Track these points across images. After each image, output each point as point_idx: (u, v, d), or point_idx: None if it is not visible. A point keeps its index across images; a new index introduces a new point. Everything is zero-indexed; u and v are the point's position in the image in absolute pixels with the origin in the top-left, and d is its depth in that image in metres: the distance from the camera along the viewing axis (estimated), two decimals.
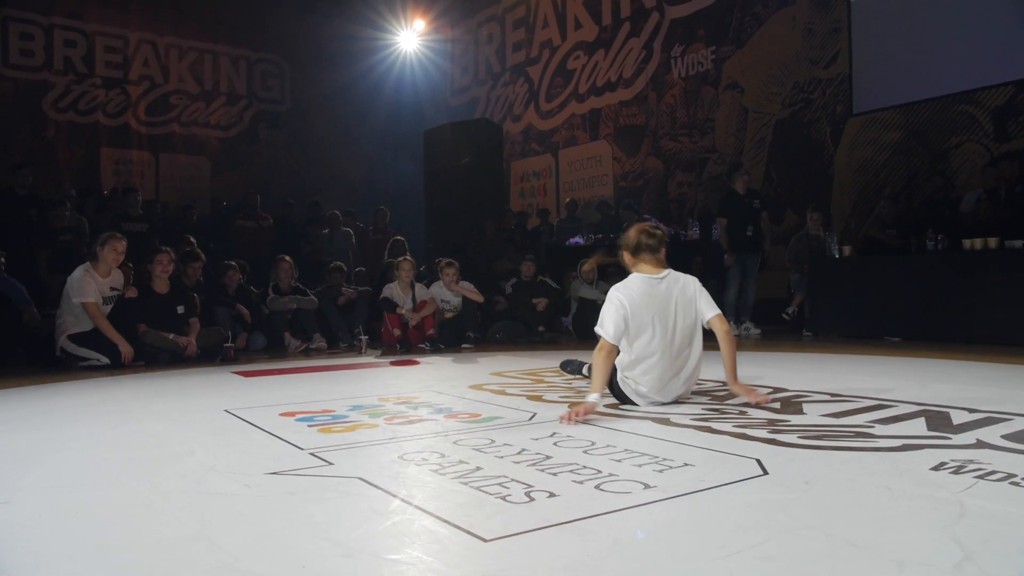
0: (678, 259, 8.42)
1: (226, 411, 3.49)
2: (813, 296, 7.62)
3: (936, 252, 6.67)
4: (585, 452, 2.44)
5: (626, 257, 3.39)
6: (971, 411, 3.03)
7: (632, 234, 3.38)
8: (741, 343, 7.01)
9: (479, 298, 7.24)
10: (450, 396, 3.85)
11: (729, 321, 7.77)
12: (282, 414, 3.37)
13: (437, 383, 4.44)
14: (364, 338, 6.81)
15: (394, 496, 2.00)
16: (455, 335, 7.01)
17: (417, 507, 1.89)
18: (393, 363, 5.79)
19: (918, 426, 2.78)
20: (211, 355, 6.18)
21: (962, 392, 3.60)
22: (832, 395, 3.54)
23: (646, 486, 2.02)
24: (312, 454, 2.52)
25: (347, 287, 7.85)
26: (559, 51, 13.66)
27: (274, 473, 2.26)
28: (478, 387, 4.17)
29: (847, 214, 8.90)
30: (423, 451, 2.53)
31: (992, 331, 6.05)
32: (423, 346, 6.81)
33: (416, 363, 5.77)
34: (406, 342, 6.73)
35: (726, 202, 7.84)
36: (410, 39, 15.59)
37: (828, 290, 7.44)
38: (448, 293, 7.17)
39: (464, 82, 16.20)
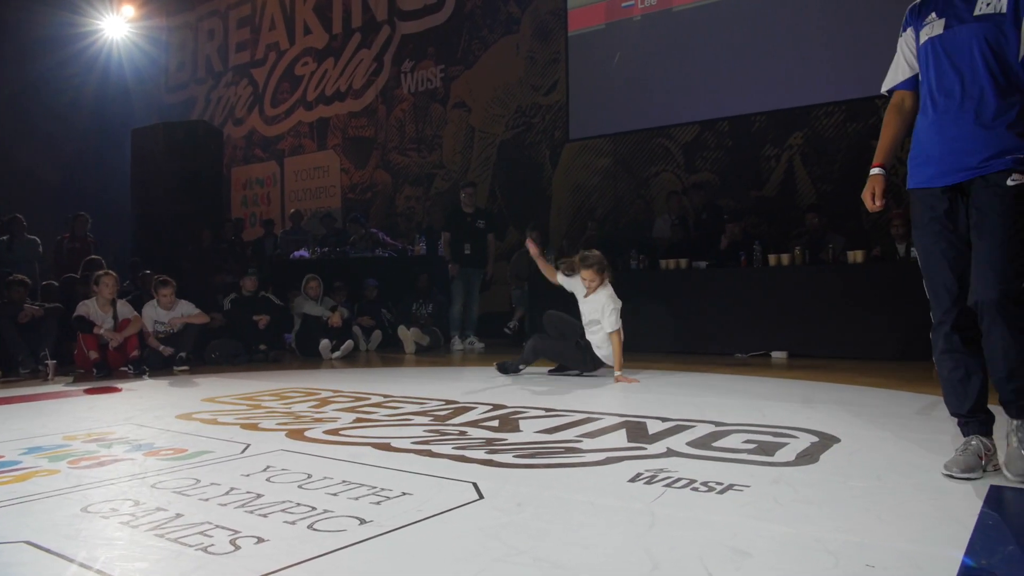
0: (406, 275, 8.59)
1: None
2: (532, 311, 8.04)
3: (638, 271, 7.39)
4: (300, 487, 2.31)
5: (604, 277, 5.21)
6: (664, 420, 3.35)
7: (604, 264, 5.21)
8: (465, 357, 7.21)
9: (204, 320, 6.68)
10: (153, 429, 3.47)
11: (453, 335, 8.00)
12: None
13: (140, 414, 3.99)
14: (52, 362, 5.96)
15: (71, 561, 1.73)
16: (165, 356, 6.40)
17: (98, 572, 1.65)
18: (88, 391, 5.13)
19: (620, 438, 3.00)
20: None
21: (658, 401, 3.97)
22: (547, 410, 3.72)
23: (362, 521, 1.95)
24: None
25: (31, 303, 6.84)
26: (287, 55, 13.19)
27: None
28: (187, 416, 3.82)
29: (563, 233, 9.56)
30: (113, 499, 2.23)
31: (684, 342, 6.84)
32: (126, 369, 6.13)
33: (117, 390, 5.17)
34: (105, 366, 6.01)
35: (450, 218, 8.15)
36: (117, 25, 14.05)
37: (546, 305, 7.88)
38: (164, 314, 6.54)
39: (181, 78, 15.03)
